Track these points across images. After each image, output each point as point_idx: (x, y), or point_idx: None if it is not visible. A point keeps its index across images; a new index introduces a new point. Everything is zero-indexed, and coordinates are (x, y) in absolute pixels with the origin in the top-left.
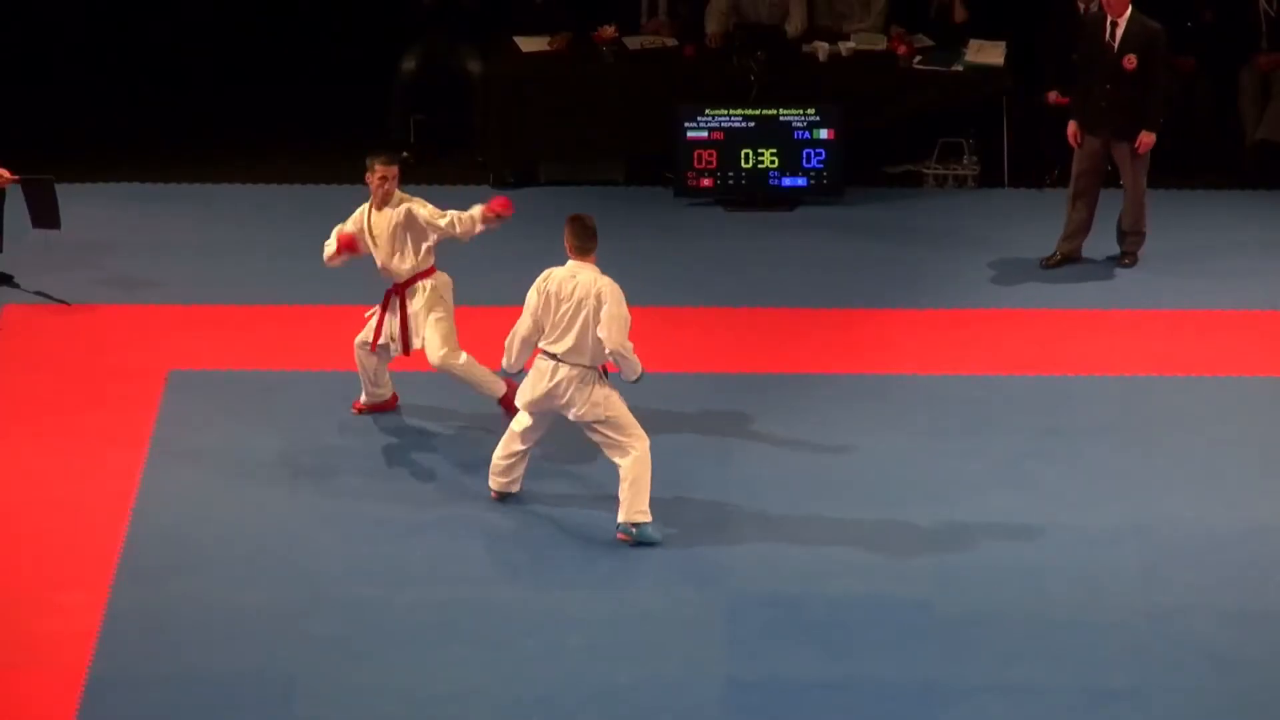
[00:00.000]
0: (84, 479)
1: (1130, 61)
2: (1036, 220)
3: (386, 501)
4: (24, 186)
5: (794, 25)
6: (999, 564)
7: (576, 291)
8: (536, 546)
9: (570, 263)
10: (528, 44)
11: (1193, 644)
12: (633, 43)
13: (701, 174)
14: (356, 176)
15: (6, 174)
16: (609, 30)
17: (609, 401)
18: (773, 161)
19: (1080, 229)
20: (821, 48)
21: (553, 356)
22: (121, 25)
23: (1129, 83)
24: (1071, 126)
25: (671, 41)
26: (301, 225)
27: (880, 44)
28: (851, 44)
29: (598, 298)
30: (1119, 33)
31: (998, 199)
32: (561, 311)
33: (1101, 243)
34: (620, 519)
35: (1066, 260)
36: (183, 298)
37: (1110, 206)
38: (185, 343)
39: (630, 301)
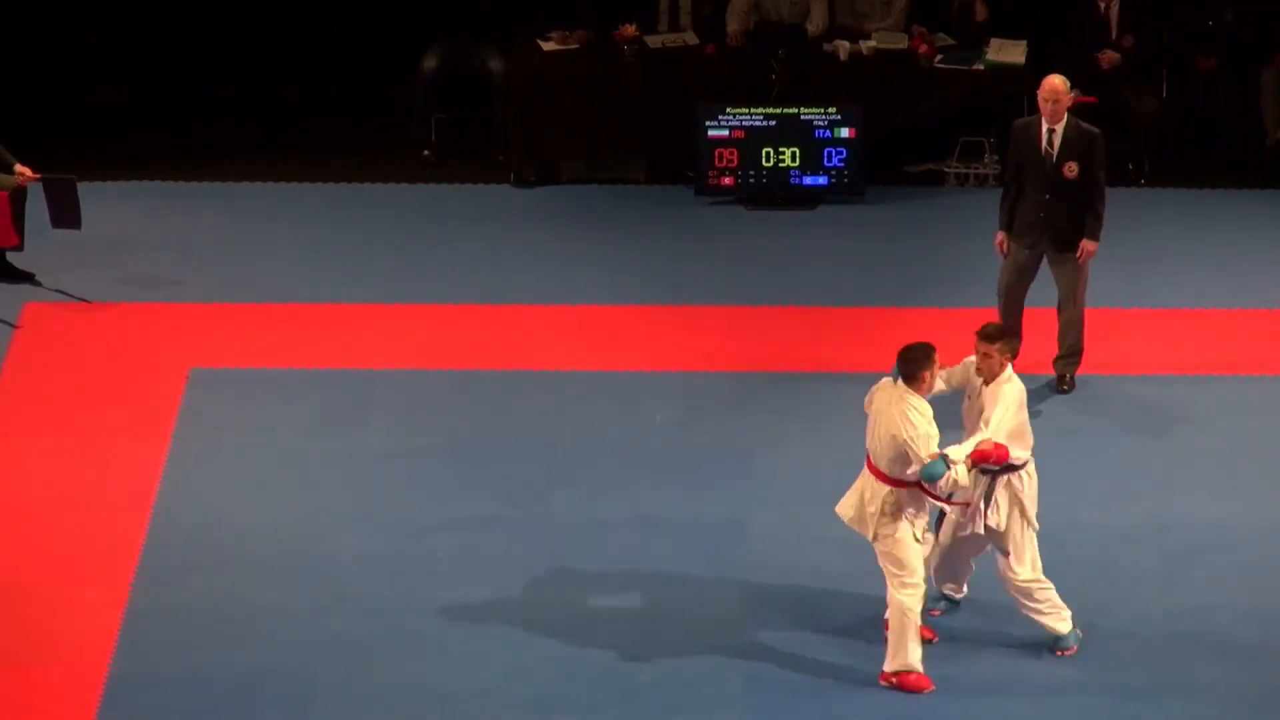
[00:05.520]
0: (105, 477)
1: (1071, 169)
2: None
3: (407, 499)
4: (45, 186)
5: (815, 24)
6: None
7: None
8: (557, 546)
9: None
10: (549, 43)
11: (1213, 642)
12: (654, 41)
13: (722, 173)
14: (378, 175)
15: (29, 172)
16: (630, 29)
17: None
18: (794, 160)
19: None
20: (842, 46)
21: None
22: (143, 23)
23: (1069, 190)
24: (999, 237)
25: (692, 40)
26: (323, 224)
27: (901, 43)
28: (872, 43)
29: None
30: (1057, 140)
31: None
32: None
33: (1127, 235)
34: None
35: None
36: (204, 296)
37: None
38: (207, 341)
39: (650, 300)
